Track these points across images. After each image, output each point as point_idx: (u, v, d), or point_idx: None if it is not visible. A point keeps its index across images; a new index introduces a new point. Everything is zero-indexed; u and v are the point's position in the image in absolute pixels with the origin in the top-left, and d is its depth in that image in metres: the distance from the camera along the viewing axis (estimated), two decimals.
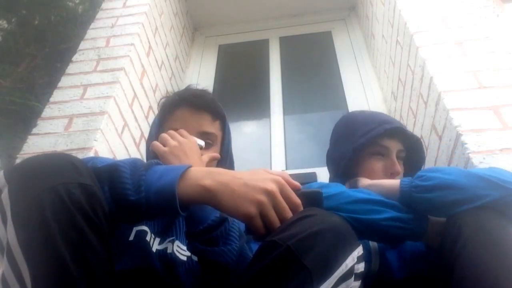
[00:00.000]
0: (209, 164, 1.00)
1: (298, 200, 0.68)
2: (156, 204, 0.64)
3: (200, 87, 1.19)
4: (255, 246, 0.91)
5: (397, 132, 1.13)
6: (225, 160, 1.11)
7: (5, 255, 0.57)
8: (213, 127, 1.07)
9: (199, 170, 0.68)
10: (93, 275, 0.56)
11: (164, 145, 0.94)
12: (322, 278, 0.59)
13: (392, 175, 1.09)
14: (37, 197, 0.56)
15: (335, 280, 0.61)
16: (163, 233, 0.84)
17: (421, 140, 1.24)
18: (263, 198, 0.64)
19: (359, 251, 0.66)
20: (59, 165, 0.60)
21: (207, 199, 0.65)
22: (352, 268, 0.64)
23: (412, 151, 1.18)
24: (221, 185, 0.65)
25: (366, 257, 0.71)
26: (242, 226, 0.95)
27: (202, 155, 0.98)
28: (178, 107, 1.07)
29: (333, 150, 1.23)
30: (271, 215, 0.64)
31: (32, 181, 0.58)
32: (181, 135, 0.97)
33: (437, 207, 0.84)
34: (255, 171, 0.69)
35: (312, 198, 0.71)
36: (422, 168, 1.21)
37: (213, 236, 0.79)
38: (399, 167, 1.11)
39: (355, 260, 0.64)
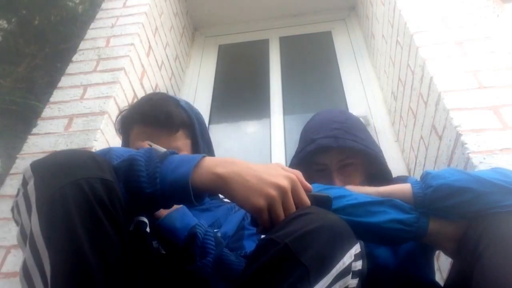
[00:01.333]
0: None
1: (307, 201, 0.68)
2: (171, 195, 0.66)
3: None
4: (248, 244, 0.92)
5: (328, 146, 1.06)
6: None
7: (28, 243, 0.59)
8: (172, 141, 1.04)
9: (213, 159, 0.69)
10: (109, 264, 0.59)
11: None
12: (319, 275, 0.59)
13: None
14: (61, 190, 0.59)
15: (332, 278, 0.61)
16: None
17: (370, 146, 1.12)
18: (274, 193, 0.64)
19: (356, 248, 0.66)
20: (83, 161, 0.63)
21: (219, 186, 0.66)
22: (349, 265, 0.64)
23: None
24: (234, 174, 0.66)
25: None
26: (228, 227, 0.96)
27: None
28: (131, 127, 1.07)
29: None
30: (279, 211, 0.65)
31: (57, 174, 0.61)
32: None
33: (454, 214, 0.83)
34: (270, 165, 0.70)
35: (321, 202, 0.71)
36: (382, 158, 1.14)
37: (188, 255, 0.81)
38: (339, 181, 1.05)
39: (353, 257, 0.64)
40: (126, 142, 1.10)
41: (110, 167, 0.66)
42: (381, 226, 0.82)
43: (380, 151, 1.16)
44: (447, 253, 0.88)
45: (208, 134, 1.18)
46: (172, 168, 0.67)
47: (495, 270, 0.70)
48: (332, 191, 0.89)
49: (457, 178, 0.82)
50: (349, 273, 0.64)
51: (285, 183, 0.66)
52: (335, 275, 0.61)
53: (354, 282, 0.66)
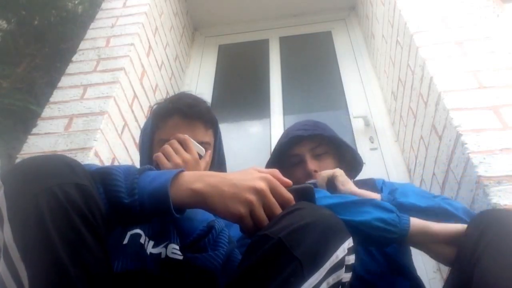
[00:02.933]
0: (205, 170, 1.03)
1: (289, 195, 0.68)
2: (150, 206, 0.65)
3: (195, 92, 1.20)
4: None
5: (298, 137, 1.18)
6: (217, 163, 1.13)
7: (2, 255, 0.57)
8: (206, 136, 1.08)
9: (190, 175, 0.69)
10: (90, 275, 0.57)
11: (168, 160, 0.95)
12: (312, 269, 0.59)
13: (313, 176, 1.13)
14: (33, 198, 0.56)
15: (325, 271, 0.61)
16: (157, 238, 0.84)
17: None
18: (252, 197, 0.65)
19: (349, 242, 0.66)
20: (55, 166, 0.61)
21: (198, 202, 0.66)
22: (343, 259, 0.64)
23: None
24: (211, 187, 0.66)
25: None
26: (235, 232, 0.96)
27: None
28: (171, 116, 1.06)
29: None
30: (259, 214, 0.65)
31: (28, 182, 0.58)
32: (186, 146, 0.97)
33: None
34: (245, 170, 0.70)
35: (304, 194, 0.71)
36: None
37: (201, 244, 0.80)
38: (312, 165, 1.16)
39: (346, 251, 0.65)
40: (155, 130, 1.09)
41: (85, 172, 0.64)
42: (366, 225, 0.83)
43: (351, 147, 1.28)
44: (440, 259, 0.86)
45: (222, 145, 1.21)
46: (150, 180, 0.67)
47: (495, 272, 0.69)
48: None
49: (415, 195, 0.94)
50: (343, 267, 0.64)
51: (261, 184, 0.66)
52: (328, 268, 0.61)
53: (348, 276, 0.67)
